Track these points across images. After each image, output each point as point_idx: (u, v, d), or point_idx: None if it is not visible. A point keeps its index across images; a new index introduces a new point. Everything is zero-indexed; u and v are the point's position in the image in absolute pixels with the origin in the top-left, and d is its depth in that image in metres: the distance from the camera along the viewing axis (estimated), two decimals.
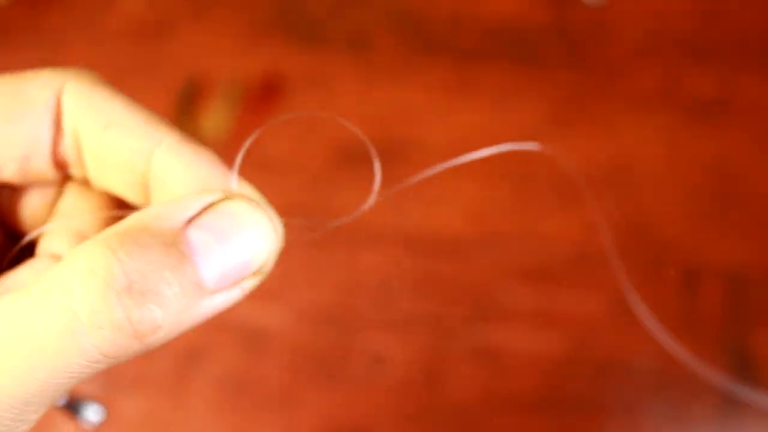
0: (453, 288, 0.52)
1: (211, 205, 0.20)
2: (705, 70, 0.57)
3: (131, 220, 0.20)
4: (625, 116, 0.56)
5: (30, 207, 0.24)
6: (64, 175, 0.24)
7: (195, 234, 0.20)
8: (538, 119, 0.57)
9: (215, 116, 0.59)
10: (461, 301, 0.52)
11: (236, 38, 0.61)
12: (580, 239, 0.53)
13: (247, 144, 0.22)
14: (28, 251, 0.24)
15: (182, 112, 0.58)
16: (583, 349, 0.50)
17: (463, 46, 0.59)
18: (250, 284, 0.21)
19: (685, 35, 0.59)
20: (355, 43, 0.60)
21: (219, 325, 0.52)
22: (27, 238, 0.24)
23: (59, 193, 0.25)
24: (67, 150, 0.23)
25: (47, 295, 0.18)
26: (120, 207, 0.24)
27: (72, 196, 0.24)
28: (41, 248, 0.24)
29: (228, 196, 0.21)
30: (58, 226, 0.23)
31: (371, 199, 0.25)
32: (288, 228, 0.22)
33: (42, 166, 0.23)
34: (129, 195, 0.23)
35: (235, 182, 0.22)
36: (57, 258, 0.23)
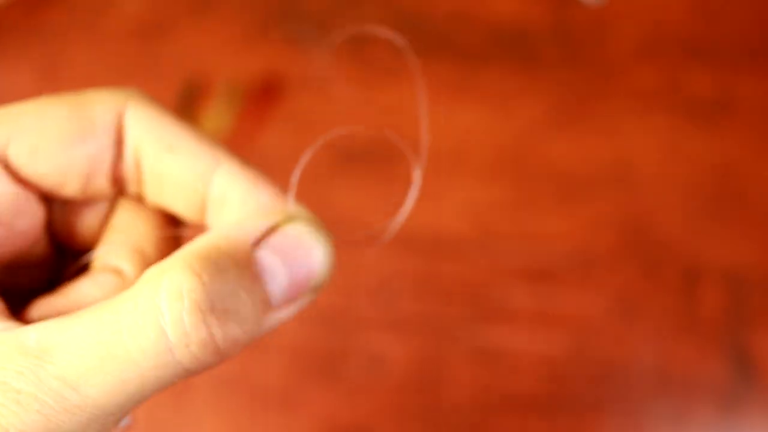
0: (453, 288, 0.52)
1: (274, 227, 0.22)
2: (705, 70, 0.57)
3: (204, 241, 0.21)
4: (625, 116, 0.56)
5: (84, 221, 0.26)
6: (119, 192, 0.25)
7: (264, 256, 0.22)
8: (538, 119, 0.57)
9: (215, 116, 0.59)
10: (461, 301, 0.52)
11: (236, 38, 0.61)
12: (581, 239, 0.53)
13: (302, 164, 0.24)
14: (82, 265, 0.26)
15: (182, 112, 0.58)
16: (583, 349, 0.50)
17: (463, 46, 0.59)
18: (307, 299, 0.23)
19: (685, 35, 0.59)
20: (355, 43, 0.60)
21: None
22: (91, 254, 0.25)
23: (112, 209, 0.26)
24: (127, 169, 0.24)
25: (135, 314, 0.20)
26: (172, 222, 0.26)
27: (126, 212, 0.26)
28: (99, 262, 0.25)
29: (288, 219, 0.23)
30: (121, 241, 0.25)
31: (408, 204, 0.26)
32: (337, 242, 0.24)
33: (101, 183, 0.24)
34: (184, 212, 0.25)
35: (292, 204, 0.24)
36: (118, 272, 0.24)
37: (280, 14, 0.61)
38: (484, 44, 0.59)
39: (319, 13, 0.61)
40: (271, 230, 0.22)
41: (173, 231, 0.26)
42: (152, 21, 0.61)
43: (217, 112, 0.59)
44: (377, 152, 0.56)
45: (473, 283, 0.52)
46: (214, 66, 0.60)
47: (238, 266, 0.21)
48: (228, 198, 0.23)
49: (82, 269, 0.25)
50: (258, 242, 0.22)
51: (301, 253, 0.22)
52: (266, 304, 0.21)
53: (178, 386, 0.51)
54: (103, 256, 0.25)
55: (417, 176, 0.26)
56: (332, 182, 0.55)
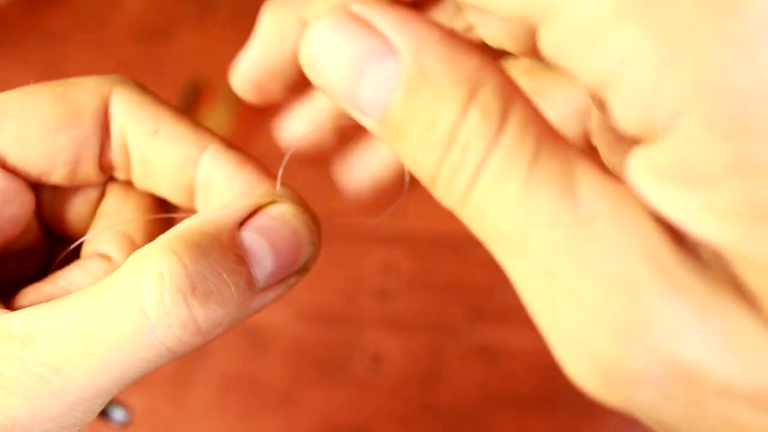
0: (453, 288, 0.52)
1: (259, 208, 0.22)
2: None
3: (188, 223, 0.21)
4: None
5: (73, 208, 0.25)
6: (107, 177, 0.25)
7: (248, 237, 0.21)
8: None
9: (216, 117, 0.59)
10: (461, 301, 0.52)
11: (237, 40, 0.61)
12: None
13: (290, 152, 0.24)
14: (71, 251, 0.26)
15: (183, 113, 0.59)
16: None
17: None
18: (294, 280, 0.22)
19: None
20: None
21: None
22: (81, 240, 0.25)
23: (101, 194, 0.26)
24: (114, 154, 0.24)
25: (117, 297, 0.20)
26: (161, 207, 0.26)
27: (115, 197, 0.25)
28: (88, 248, 0.25)
29: (274, 199, 0.22)
30: (109, 228, 0.25)
31: (402, 197, 0.26)
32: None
33: (89, 169, 0.24)
34: (172, 196, 0.25)
35: (279, 185, 0.23)
36: (106, 258, 0.24)
37: None
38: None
39: None
40: (256, 211, 0.22)
41: (164, 216, 0.25)
42: (154, 23, 0.61)
43: (218, 113, 0.59)
44: None
45: (473, 283, 0.52)
46: (214, 67, 0.60)
47: (221, 247, 0.20)
48: (214, 181, 0.23)
49: (73, 256, 0.25)
50: (243, 223, 0.21)
51: (286, 233, 0.22)
52: (251, 286, 0.21)
53: (178, 385, 0.51)
54: (92, 242, 0.25)
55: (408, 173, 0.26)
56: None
